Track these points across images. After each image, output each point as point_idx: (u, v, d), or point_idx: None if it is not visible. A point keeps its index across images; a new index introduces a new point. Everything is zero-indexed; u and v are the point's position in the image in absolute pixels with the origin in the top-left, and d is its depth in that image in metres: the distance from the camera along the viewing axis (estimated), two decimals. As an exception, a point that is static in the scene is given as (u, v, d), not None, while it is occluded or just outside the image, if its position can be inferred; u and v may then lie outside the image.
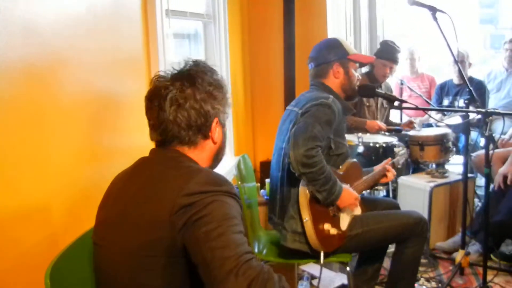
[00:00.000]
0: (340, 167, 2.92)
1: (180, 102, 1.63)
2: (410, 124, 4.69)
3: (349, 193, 2.75)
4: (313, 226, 2.66)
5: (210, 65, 1.76)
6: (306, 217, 2.66)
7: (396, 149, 3.57)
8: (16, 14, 1.72)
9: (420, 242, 2.93)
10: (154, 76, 1.71)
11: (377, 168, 3.16)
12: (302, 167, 2.55)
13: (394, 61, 4.60)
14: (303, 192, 2.68)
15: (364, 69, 4.77)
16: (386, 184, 4.03)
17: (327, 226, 2.71)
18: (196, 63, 1.73)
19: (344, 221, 2.82)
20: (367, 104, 4.61)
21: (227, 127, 1.91)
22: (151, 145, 1.74)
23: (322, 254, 2.71)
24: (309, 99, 2.80)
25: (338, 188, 2.67)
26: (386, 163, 3.18)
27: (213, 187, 1.51)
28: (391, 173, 3.14)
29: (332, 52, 2.98)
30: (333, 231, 2.73)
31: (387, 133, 4.41)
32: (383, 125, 4.46)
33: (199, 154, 1.73)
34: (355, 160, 3.07)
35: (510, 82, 5.66)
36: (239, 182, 2.94)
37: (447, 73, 5.86)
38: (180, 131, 1.66)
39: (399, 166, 3.45)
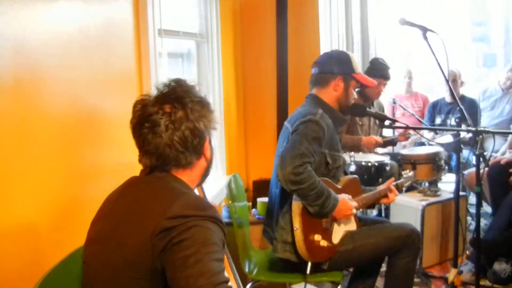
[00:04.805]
0: (340, 178, 2.94)
1: (176, 125, 1.62)
2: (405, 133, 4.69)
3: (345, 204, 2.76)
4: (303, 235, 2.67)
5: (190, 82, 1.75)
6: (297, 225, 2.67)
7: (403, 172, 3.52)
8: (7, 32, 1.72)
9: (412, 253, 2.91)
10: (138, 100, 1.69)
11: (380, 187, 3.12)
12: (291, 184, 2.57)
13: (388, 78, 4.62)
14: (296, 203, 2.70)
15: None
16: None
17: (317, 237, 2.72)
18: (179, 83, 1.71)
19: (337, 234, 2.82)
20: (360, 123, 4.62)
21: (217, 144, 1.91)
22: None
23: (309, 264, 2.71)
24: (298, 116, 2.82)
25: (333, 201, 2.68)
26: (389, 183, 3.13)
27: (195, 211, 1.51)
28: (394, 194, 3.09)
29: (339, 65, 2.98)
30: (323, 243, 2.74)
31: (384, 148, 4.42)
32: (379, 139, 4.46)
33: (191, 174, 1.73)
34: (355, 176, 3.07)
35: (504, 102, 5.70)
36: (230, 202, 2.94)
37: (440, 92, 5.90)
38: (178, 155, 1.65)
39: (404, 189, 3.42)
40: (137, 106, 1.68)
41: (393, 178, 3.22)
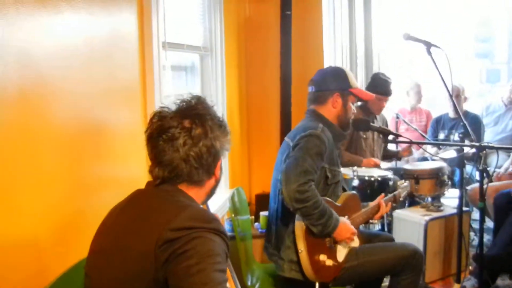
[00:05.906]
0: (339, 194, 2.92)
1: (194, 141, 1.64)
2: (408, 149, 4.69)
3: (346, 227, 2.74)
4: (308, 257, 2.65)
5: (209, 101, 1.77)
6: (301, 248, 2.65)
7: (398, 182, 3.53)
8: (12, 44, 1.73)
9: (415, 274, 2.89)
10: (156, 112, 1.70)
11: (372, 204, 3.11)
12: (296, 202, 2.55)
13: (389, 94, 4.61)
14: (299, 224, 2.68)
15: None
16: (381, 217, 4.01)
17: (322, 257, 2.70)
18: (200, 100, 1.73)
19: (341, 252, 2.80)
20: (364, 136, 4.61)
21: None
22: (144, 176, 1.74)
23: (317, 285, 2.69)
24: (298, 130, 2.82)
25: (334, 221, 2.65)
26: (380, 198, 3.12)
27: (199, 223, 1.51)
28: (383, 209, 3.07)
29: (335, 81, 2.96)
30: (329, 262, 2.72)
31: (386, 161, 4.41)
32: (378, 161, 4.46)
33: (199, 192, 1.74)
34: (354, 192, 3.06)
35: (508, 117, 5.70)
36: (233, 215, 2.93)
37: (443, 107, 5.90)
38: (191, 170, 1.66)
39: (401, 199, 3.42)
40: (155, 117, 1.69)
41: (383, 194, 3.20)
